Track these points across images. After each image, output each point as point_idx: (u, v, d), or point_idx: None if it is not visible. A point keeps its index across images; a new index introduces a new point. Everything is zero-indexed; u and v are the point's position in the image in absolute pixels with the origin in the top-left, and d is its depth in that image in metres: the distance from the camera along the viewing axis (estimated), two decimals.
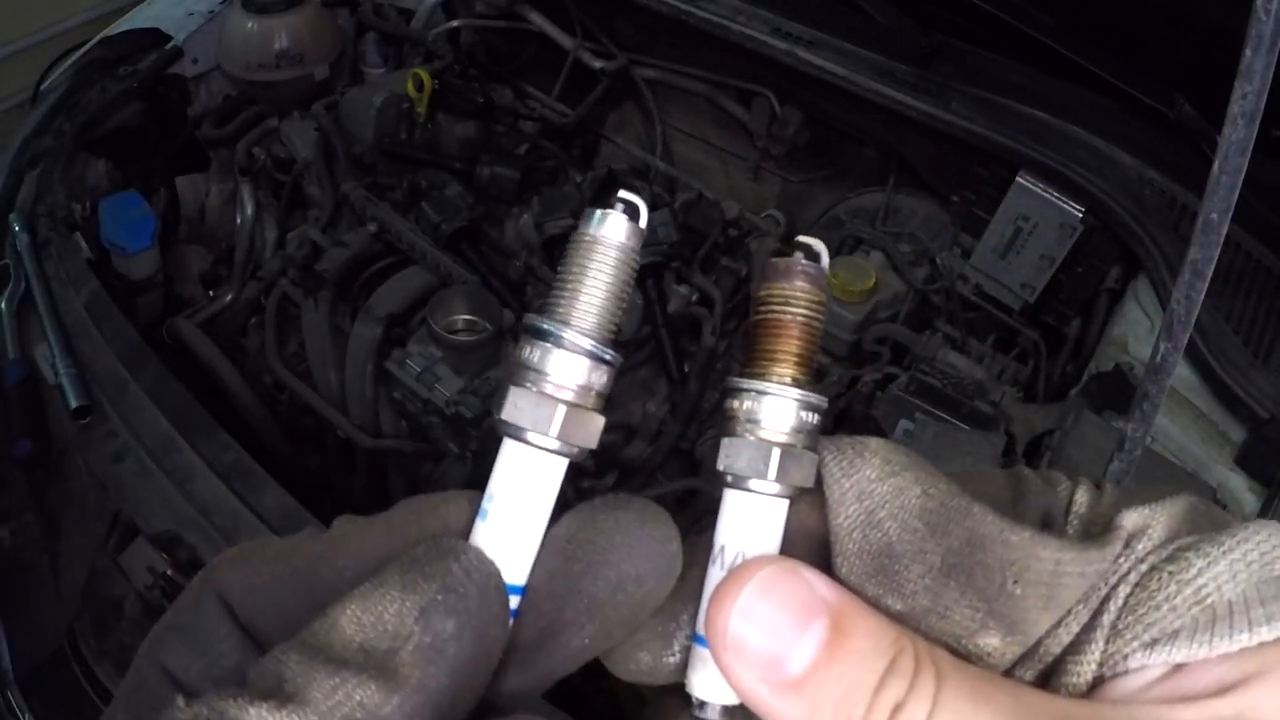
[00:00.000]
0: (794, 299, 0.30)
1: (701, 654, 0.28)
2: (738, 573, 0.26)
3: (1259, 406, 1.21)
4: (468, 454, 1.51)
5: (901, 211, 1.78)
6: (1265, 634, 0.25)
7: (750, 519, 0.29)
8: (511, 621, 0.27)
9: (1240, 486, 1.22)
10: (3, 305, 1.49)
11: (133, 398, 1.37)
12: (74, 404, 1.35)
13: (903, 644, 0.25)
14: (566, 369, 0.29)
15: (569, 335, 0.29)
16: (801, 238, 0.31)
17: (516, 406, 0.28)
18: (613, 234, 0.29)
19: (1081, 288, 1.55)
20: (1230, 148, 0.57)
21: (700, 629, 0.28)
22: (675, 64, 1.93)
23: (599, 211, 0.30)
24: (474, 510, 0.29)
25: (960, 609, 0.26)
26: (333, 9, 2.06)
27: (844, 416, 1.47)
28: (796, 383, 0.30)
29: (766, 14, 1.70)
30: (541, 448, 0.28)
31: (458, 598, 0.25)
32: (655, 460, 1.55)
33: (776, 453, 0.29)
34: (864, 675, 0.25)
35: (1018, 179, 1.51)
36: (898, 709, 0.24)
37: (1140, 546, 0.27)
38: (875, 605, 0.27)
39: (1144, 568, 0.26)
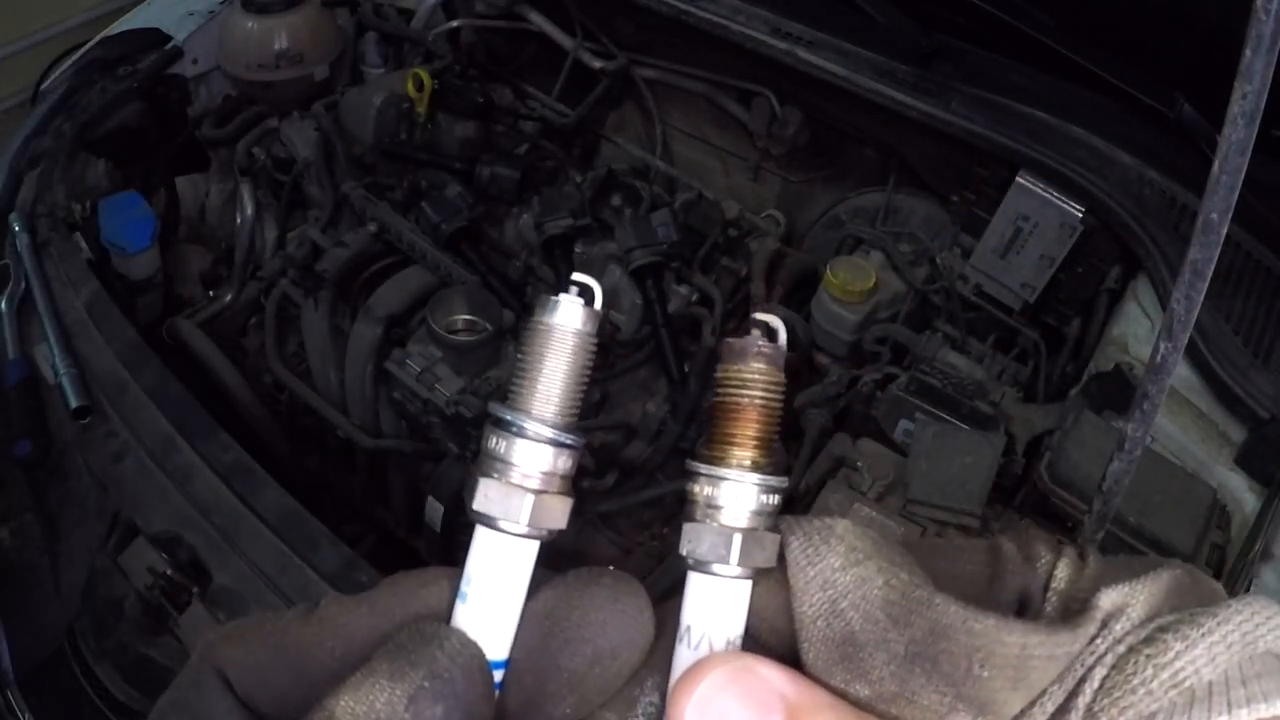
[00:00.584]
0: (751, 381, 0.30)
1: None
2: (697, 667, 0.27)
3: (1259, 406, 1.21)
4: (468, 454, 1.51)
5: (901, 211, 1.78)
6: (1244, 715, 0.24)
7: (714, 601, 0.30)
8: (497, 695, 0.29)
9: (1240, 486, 1.22)
10: (3, 305, 1.49)
11: (133, 398, 1.37)
12: (74, 404, 1.36)
13: None
14: (532, 458, 0.30)
15: (531, 426, 0.30)
16: (759, 314, 0.32)
17: (488, 497, 0.30)
18: (568, 321, 0.31)
19: (1081, 288, 1.55)
20: (1230, 148, 0.57)
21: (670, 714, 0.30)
22: (675, 64, 1.93)
23: (553, 298, 0.31)
24: (454, 590, 0.30)
25: (927, 693, 0.26)
26: (333, 9, 2.06)
27: (844, 416, 1.48)
28: (756, 466, 0.30)
29: (766, 14, 1.70)
30: (514, 534, 0.30)
31: (443, 683, 0.27)
32: (655, 460, 1.55)
33: (738, 538, 0.29)
34: None
35: (1018, 179, 1.51)
36: None
37: (1118, 627, 0.26)
38: (842, 691, 0.27)
39: (1121, 649, 0.26)
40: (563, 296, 0.31)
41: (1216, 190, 0.59)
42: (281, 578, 1.19)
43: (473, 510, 0.30)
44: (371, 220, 1.73)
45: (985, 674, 0.26)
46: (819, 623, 0.28)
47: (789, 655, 0.29)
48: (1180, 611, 0.27)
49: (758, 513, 0.30)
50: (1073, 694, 0.26)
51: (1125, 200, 1.41)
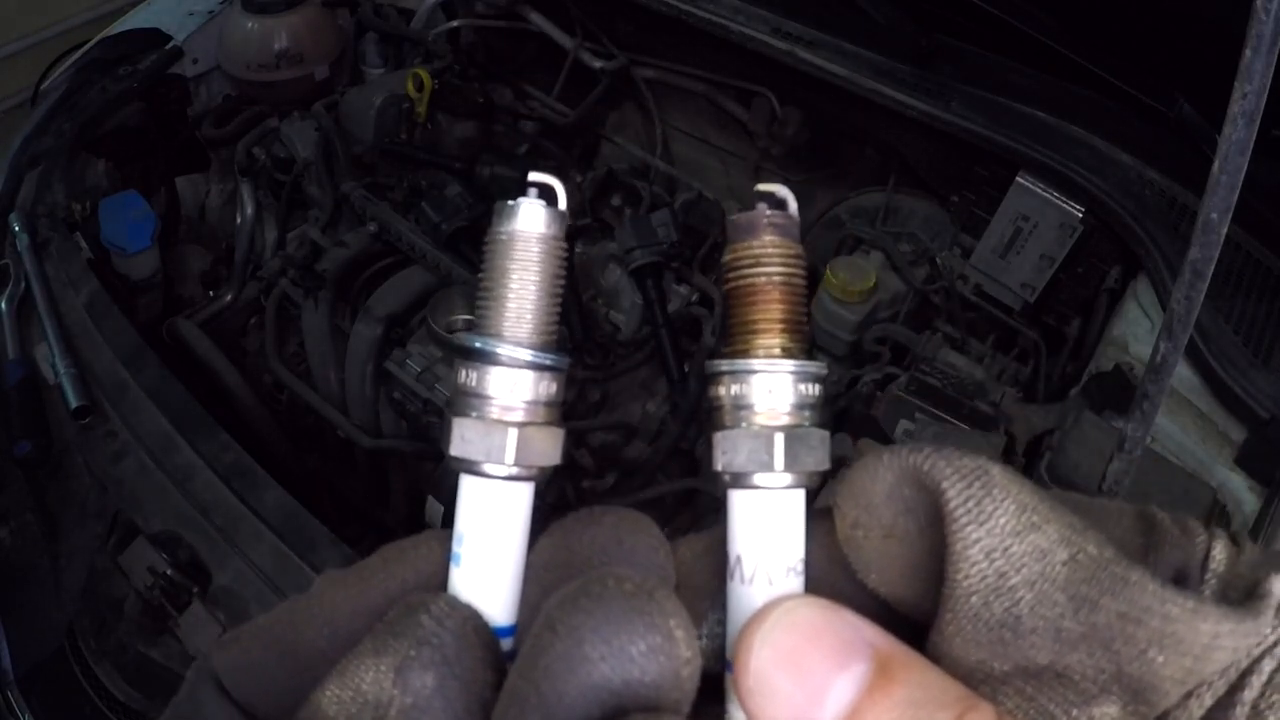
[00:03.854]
0: (765, 257, 0.26)
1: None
2: (766, 608, 0.24)
3: (1259, 406, 1.21)
4: None
5: (901, 211, 1.78)
6: None
7: (764, 521, 0.25)
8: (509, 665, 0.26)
9: (1240, 486, 1.22)
10: (3, 305, 1.49)
11: (133, 398, 1.37)
12: (74, 404, 1.35)
13: (974, 702, 0.22)
14: (510, 387, 0.26)
15: (505, 350, 0.26)
16: (762, 185, 0.27)
17: (465, 439, 0.26)
18: (530, 225, 0.26)
19: (1081, 288, 1.55)
20: (1230, 148, 0.57)
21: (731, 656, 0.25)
22: (675, 64, 1.93)
23: (509, 203, 0.26)
24: (446, 554, 0.27)
25: (1082, 670, 0.23)
26: (333, 9, 2.06)
27: (844, 416, 1.47)
28: (787, 352, 0.26)
29: (766, 14, 1.70)
30: (500, 477, 0.26)
31: (432, 650, 0.24)
32: (655, 460, 1.55)
33: (780, 438, 0.25)
34: None
35: (1018, 179, 1.51)
36: None
37: None
38: (974, 666, 0.23)
39: None
40: (521, 200, 0.26)
41: (1216, 190, 0.59)
42: (281, 578, 1.19)
43: (451, 457, 0.26)
44: (371, 220, 1.73)
45: (1160, 659, 0.22)
46: (974, 599, 0.23)
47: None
48: None
49: (799, 406, 0.25)
50: (1235, 687, 0.23)
51: (1125, 200, 1.41)
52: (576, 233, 1.72)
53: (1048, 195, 1.48)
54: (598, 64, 1.94)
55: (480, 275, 0.27)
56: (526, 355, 0.26)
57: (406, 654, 0.24)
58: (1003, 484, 0.23)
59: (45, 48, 2.69)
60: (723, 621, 0.26)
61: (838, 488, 0.26)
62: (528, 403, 0.26)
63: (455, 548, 0.26)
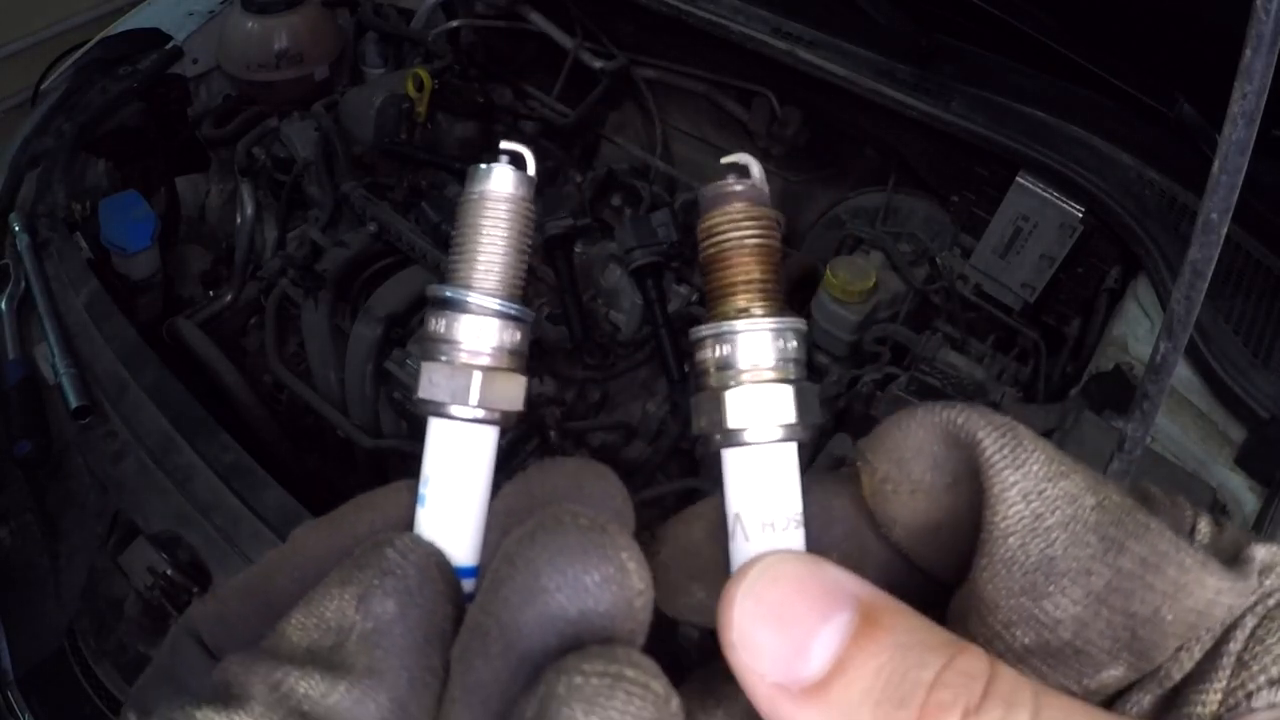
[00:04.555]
0: (736, 223, 0.27)
1: None
2: (747, 564, 0.24)
3: (1259, 406, 1.21)
4: None
5: (901, 211, 1.78)
6: None
7: (758, 475, 0.26)
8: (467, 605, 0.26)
9: (1240, 486, 1.22)
10: (3, 305, 1.49)
11: (133, 398, 1.37)
12: (74, 404, 1.35)
13: (964, 646, 0.22)
14: (477, 333, 0.28)
15: (474, 299, 0.28)
16: (726, 158, 0.28)
17: (432, 382, 0.27)
18: (500, 186, 0.28)
19: (1081, 288, 1.55)
20: (1230, 148, 0.57)
21: None
22: (675, 64, 1.93)
23: (482, 166, 0.28)
24: (414, 498, 0.28)
25: (1101, 644, 0.23)
26: (333, 9, 2.06)
27: (844, 416, 1.47)
28: (765, 310, 0.26)
29: (766, 14, 1.70)
30: (465, 419, 0.28)
31: (395, 579, 0.25)
32: (655, 460, 1.55)
33: (763, 391, 0.26)
34: (910, 669, 0.21)
35: (1018, 179, 1.51)
36: (968, 714, 0.20)
37: (1269, 582, 0.25)
38: (995, 636, 0.24)
39: (1271, 602, 0.24)
40: (494, 164, 0.28)
41: (1216, 190, 0.59)
42: None
43: (419, 399, 0.28)
44: (371, 220, 1.73)
45: (1170, 617, 0.23)
46: (1012, 540, 0.23)
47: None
48: None
49: (781, 361, 0.26)
50: (1221, 640, 0.24)
51: (1125, 200, 1.41)
52: (576, 233, 1.72)
53: (1048, 195, 1.48)
54: (598, 64, 1.94)
55: (452, 232, 0.29)
56: (494, 304, 0.28)
57: (370, 583, 0.25)
58: (1031, 436, 0.24)
59: (45, 48, 2.69)
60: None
61: (867, 443, 0.26)
62: (494, 349, 0.28)
63: (421, 489, 0.28)
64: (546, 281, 1.72)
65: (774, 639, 0.23)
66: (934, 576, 0.27)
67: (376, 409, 1.64)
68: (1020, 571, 0.23)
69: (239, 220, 1.92)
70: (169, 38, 1.91)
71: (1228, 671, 0.23)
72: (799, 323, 0.27)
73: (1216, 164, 0.58)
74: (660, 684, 0.21)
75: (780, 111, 1.81)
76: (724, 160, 0.28)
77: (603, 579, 0.23)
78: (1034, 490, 0.24)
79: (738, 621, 0.23)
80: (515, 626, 0.23)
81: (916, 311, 1.60)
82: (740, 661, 0.23)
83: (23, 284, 1.50)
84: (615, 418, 1.59)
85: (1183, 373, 1.25)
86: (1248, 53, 0.54)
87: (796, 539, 0.26)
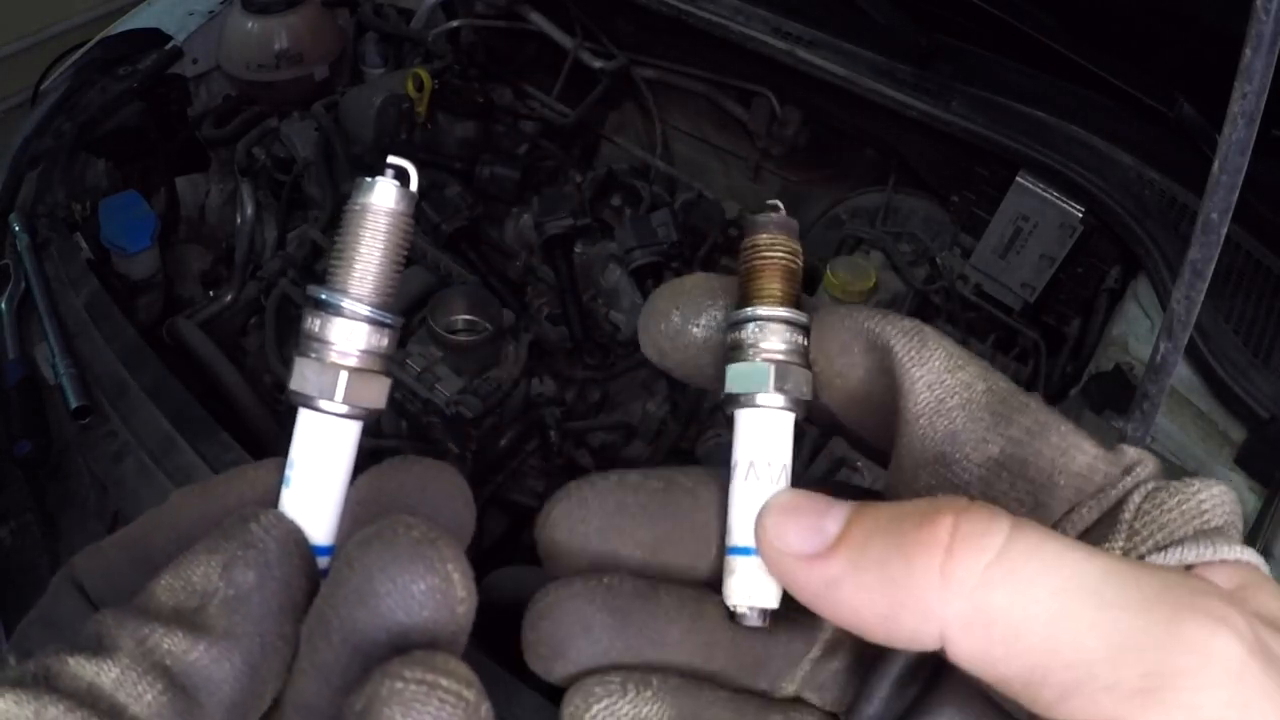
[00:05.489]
0: (775, 244, 0.33)
1: (733, 563, 0.31)
2: (770, 499, 0.29)
3: (1259, 406, 1.21)
4: (468, 454, 1.51)
5: (901, 211, 1.78)
6: (1251, 557, 0.27)
7: (764, 431, 0.32)
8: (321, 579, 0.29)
9: (1240, 486, 1.22)
10: (3, 305, 1.49)
11: (133, 398, 1.37)
12: (74, 404, 1.35)
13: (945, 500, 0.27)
14: (347, 335, 0.30)
15: (348, 304, 0.30)
16: (769, 201, 0.35)
17: (303, 376, 0.30)
18: (382, 200, 0.30)
19: (1081, 288, 1.55)
20: (1230, 148, 0.57)
21: (731, 542, 0.31)
22: (675, 64, 1.93)
23: (367, 179, 0.31)
24: (282, 476, 0.31)
25: (1009, 500, 0.28)
26: (333, 9, 2.06)
27: None
28: (786, 308, 0.33)
29: (766, 14, 1.70)
30: (331, 413, 0.30)
31: (257, 552, 0.28)
32: (655, 460, 1.55)
33: (773, 368, 0.31)
34: (910, 514, 0.26)
35: (1018, 179, 1.51)
36: (959, 524, 0.24)
37: (1139, 470, 0.29)
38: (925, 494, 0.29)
39: (1149, 486, 0.28)
40: (378, 178, 0.31)
41: (1216, 190, 0.59)
42: None
43: (290, 390, 0.30)
44: None
45: (1061, 482, 0.28)
46: (922, 420, 0.29)
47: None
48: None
49: (791, 349, 0.32)
50: (1112, 512, 0.28)
51: (1125, 200, 1.41)
52: (576, 233, 1.72)
53: (1048, 195, 1.48)
54: (598, 64, 1.94)
55: (334, 238, 0.31)
56: (365, 311, 0.30)
57: (234, 553, 0.27)
58: (935, 336, 0.30)
59: (45, 48, 2.69)
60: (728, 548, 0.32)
61: (812, 340, 0.33)
62: (361, 351, 0.30)
63: (287, 472, 0.30)
64: (546, 281, 1.72)
65: (797, 530, 0.27)
66: (871, 448, 0.33)
67: None
68: (932, 445, 0.29)
69: (239, 220, 1.92)
70: (169, 38, 1.91)
71: (1123, 537, 0.28)
72: (805, 319, 0.33)
73: (1216, 164, 0.58)
74: (472, 692, 0.25)
75: (780, 111, 1.81)
76: (768, 202, 0.35)
77: (428, 588, 0.26)
78: (936, 380, 0.29)
79: (771, 528, 0.28)
80: (351, 621, 0.26)
81: (916, 311, 1.60)
82: (777, 555, 0.28)
83: (23, 284, 1.50)
84: (615, 418, 1.59)
85: (1183, 373, 1.25)
86: (1248, 53, 0.54)
87: (785, 481, 0.32)
